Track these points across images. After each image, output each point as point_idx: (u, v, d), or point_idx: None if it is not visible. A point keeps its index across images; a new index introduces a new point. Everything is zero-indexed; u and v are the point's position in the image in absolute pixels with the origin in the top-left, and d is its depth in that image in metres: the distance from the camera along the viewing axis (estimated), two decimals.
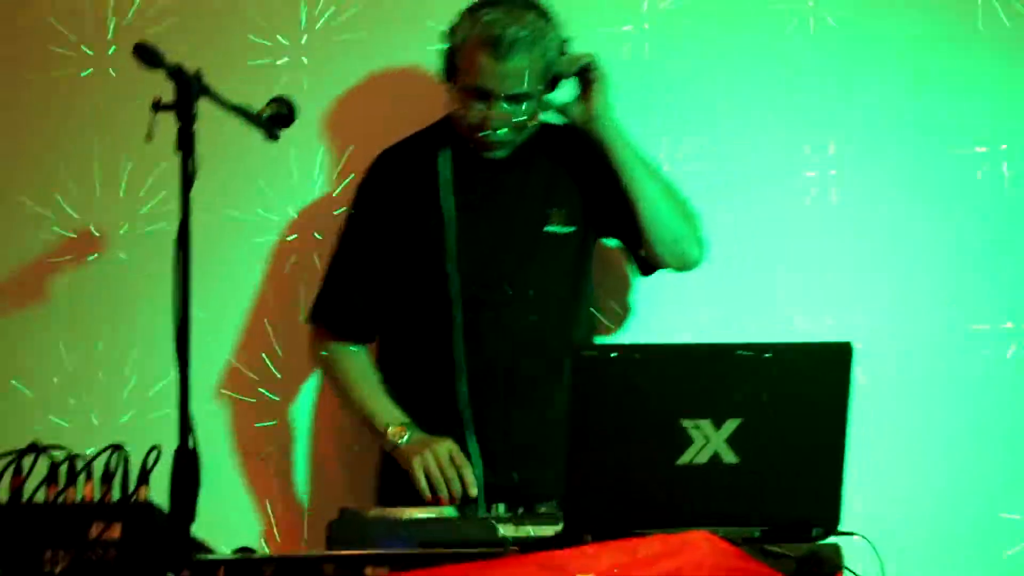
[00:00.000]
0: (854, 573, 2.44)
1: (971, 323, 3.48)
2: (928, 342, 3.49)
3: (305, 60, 3.49)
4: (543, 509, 2.77)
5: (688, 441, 2.38)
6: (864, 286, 3.50)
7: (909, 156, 3.53)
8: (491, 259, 3.23)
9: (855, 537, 2.45)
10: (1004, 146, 3.51)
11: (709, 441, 2.39)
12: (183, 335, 2.45)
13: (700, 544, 2.36)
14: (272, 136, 2.81)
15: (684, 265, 3.29)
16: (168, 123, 2.53)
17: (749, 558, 2.38)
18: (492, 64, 3.11)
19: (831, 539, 2.45)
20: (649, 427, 2.39)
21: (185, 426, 2.41)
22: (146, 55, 2.52)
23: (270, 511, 3.48)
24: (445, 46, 3.21)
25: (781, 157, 3.52)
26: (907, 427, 3.47)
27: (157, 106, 2.53)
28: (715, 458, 2.39)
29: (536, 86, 3.17)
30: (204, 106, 2.56)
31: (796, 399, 2.41)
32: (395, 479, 3.18)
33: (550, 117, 3.29)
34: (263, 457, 3.51)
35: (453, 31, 3.19)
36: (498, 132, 3.18)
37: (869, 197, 3.52)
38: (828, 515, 2.44)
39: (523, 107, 3.17)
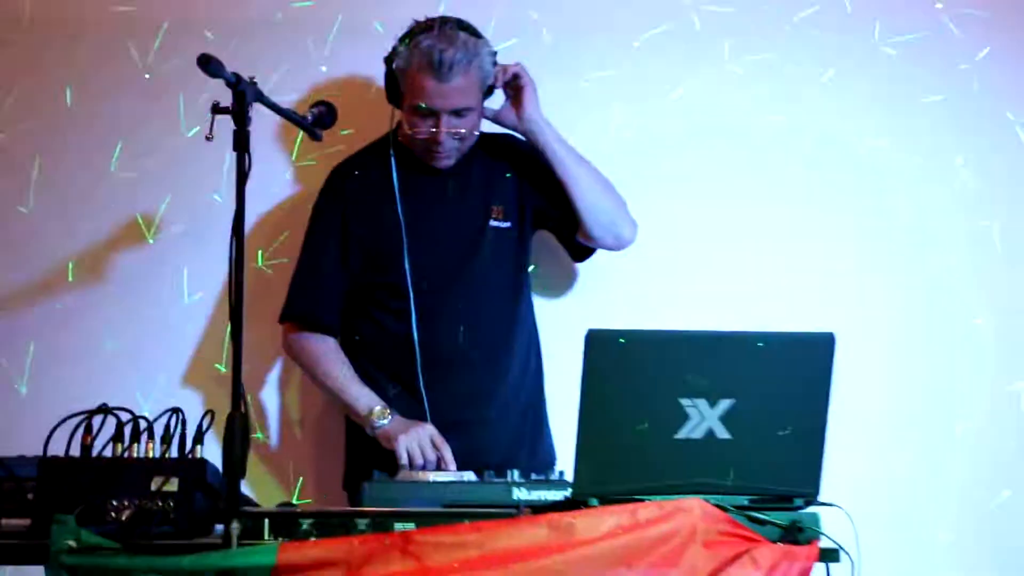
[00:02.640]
0: (831, 539, 2.49)
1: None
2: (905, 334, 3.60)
3: None
4: (552, 476, 2.82)
5: (685, 418, 2.46)
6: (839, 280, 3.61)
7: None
8: (441, 254, 3.33)
9: (833, 507, 2.52)
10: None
11: (704, 418, 2.46)
12: (237, 315, 2.52)
13: (694, 510, 2.43)
14: (316, 137, 2.89)
15: (619, 244, 3.40)
16: None
17: (738, 524, 2.46)
18: (435, 85, 3.19)
19: (811, 508, 2.52)
20: (651, 404, 2.46)
21: (237, 393, 2.48)
22: (208, 65, 2.56)
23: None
24: (387, 72, 3.29)
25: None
26: (881, 408, 3.55)
27: (215, 109, 2.60)
28: (709, 434, 2.46)
29: (475, 99, 3.26)
30: None
31: (783, 383, 2.48)
32: (360, 453, 3.30)
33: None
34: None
35: (393, 58, 3.27)
36: (446, 145, 3.27)
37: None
38: (809, 487, 2.50)
39: (465, 119, 3.26)
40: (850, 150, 3.63)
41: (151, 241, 3.56)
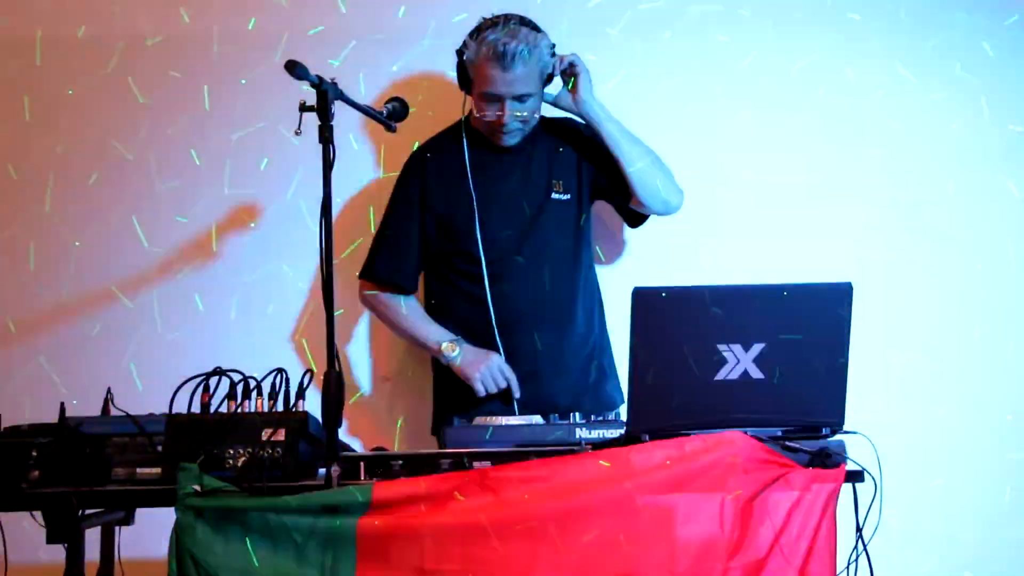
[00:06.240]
0: (856, 463, 2.55)
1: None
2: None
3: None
4: (611, 417, 2.87)
5: (723, 361, 2.52)
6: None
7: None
8: (508, 223, 3.39)
9: (857, 435, 2.56)
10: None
11: (740, 361, 2.52)
12: (328, 284, 2.58)
13: (734, 441, 2.50)
14: (391, 129, 2.96)
15: (668, 209, 3.44)
16: None
17: (773, 452, 2.52)
18: (500, 74, 3.27)
19: (837, 436, 2.57)
20: (692, 350, 2.51)
21: (332, 353, 2.55)
22: (295, 69, 2.62)
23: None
24: (458, 63, 3.36)
25: None
26: (901, 349, 3.58)
27: (303, 108, 2.66)
28: (745, 375, 2.52)
29: (536, 86, 3.33)
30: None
31: (808, 327, 2.53)
32: (445, 402, 3.39)
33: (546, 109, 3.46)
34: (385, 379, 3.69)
35: (463, 51, 3.34)
36: (510, 126, 3.33)
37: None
38: (835, 418, 2.55)
39: (527, 104, 3.33)
40: (874, 115, 3.66)
41: (252, 225, 3.64)
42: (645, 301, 2.50)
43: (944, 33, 3.63)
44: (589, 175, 3.44)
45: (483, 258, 3.34)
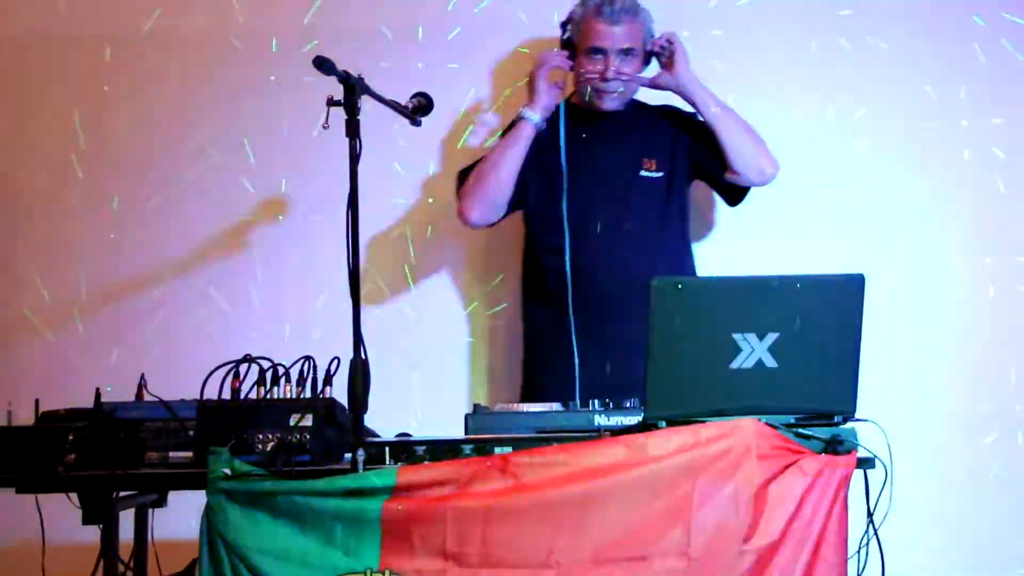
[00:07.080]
0: (867, 449, 2.55)
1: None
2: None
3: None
4: (628, 404, 2.87)
5: (738, 350, 2.53)
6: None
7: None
8: (594, 197, 3.43)
9: (868, 422, 2.56)
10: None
11: (754, 350, 2.53)
12: (355, 274, 2.60)
13: (748, 428, 2.50)
14: (415, 123, 2.98)
15: (763, 178, 3.45)
16: None
17: (786, 439, 2.53)
18: (606, 27, 3.37)
19: (849, 424, 2.57)
20: (708, 339, 2.53)
21: (357, 341, 2.57)
22: (323, 65, 2.65)
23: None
24: (564, 36, 3.42)
25: None
26: (912, 338, 3.59)
27: (330, 102, 2.66)
28: (759, 363, 2.53)
29: (639, 45, 3.41)
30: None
31: (821, 317, 2.53)
32: (534, 376, 3.43)
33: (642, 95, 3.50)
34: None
35: (570, 19, 3.43)
36: (612, 85, 3.39)
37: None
38: (847, 406, 2.56)
39: (629, 62, 3.40)
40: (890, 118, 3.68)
41: (280, 219, 3.67)
42: (663, 292, 2.52)
43: (958, 28, 3.64)
44: (685, 153, 3.47)
45: (567, 229, 3.36)
